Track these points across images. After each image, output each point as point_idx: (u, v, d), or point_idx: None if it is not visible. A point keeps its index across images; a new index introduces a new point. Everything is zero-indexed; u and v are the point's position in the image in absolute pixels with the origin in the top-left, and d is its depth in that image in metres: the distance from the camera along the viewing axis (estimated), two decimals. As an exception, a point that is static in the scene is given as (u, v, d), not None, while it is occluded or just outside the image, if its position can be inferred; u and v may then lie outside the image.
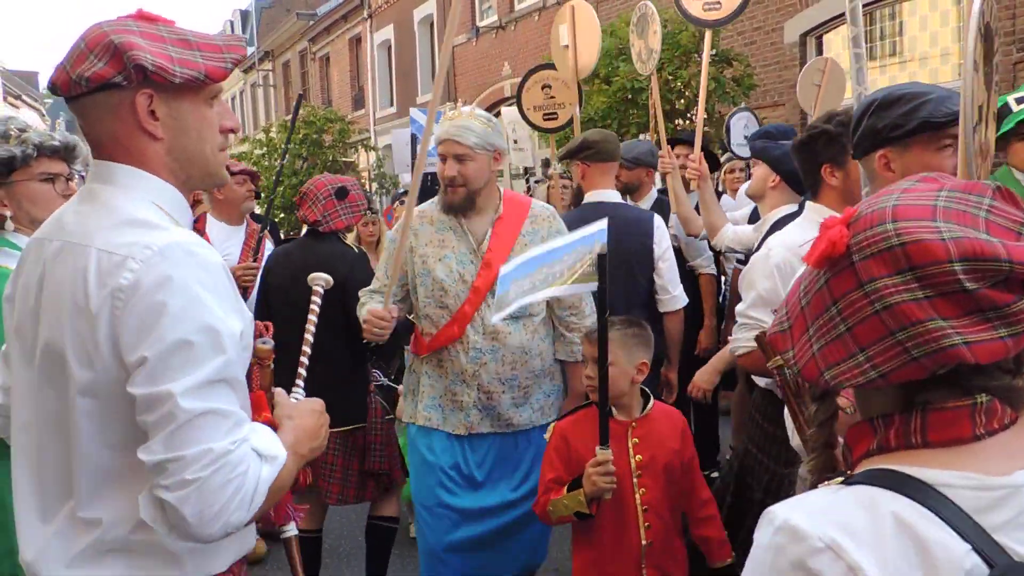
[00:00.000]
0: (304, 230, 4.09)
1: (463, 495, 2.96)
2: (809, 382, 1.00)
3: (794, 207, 3.51)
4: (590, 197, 3.85)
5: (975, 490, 0.88)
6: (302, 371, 1.94)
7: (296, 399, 1.76)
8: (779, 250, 2.42)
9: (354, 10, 22.90)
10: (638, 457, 2.47)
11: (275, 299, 3.60)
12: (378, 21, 21.81)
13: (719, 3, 4.01)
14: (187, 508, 1.27)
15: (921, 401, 0.93)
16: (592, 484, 2.31)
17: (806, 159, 2.53)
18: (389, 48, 21.69)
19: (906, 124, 1.91)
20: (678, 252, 4.32)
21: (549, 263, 2.27)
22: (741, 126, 5.55)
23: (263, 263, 3.91)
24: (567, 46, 4.57)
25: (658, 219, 3.84)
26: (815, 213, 2.48)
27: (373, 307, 2.90)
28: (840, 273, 0.95)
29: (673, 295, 3.79)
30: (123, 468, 1.36)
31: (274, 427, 1.55)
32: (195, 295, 1.32)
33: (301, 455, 1.52)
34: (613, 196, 3.86)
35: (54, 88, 1.42)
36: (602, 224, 2.23)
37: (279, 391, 1.67)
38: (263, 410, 1.59)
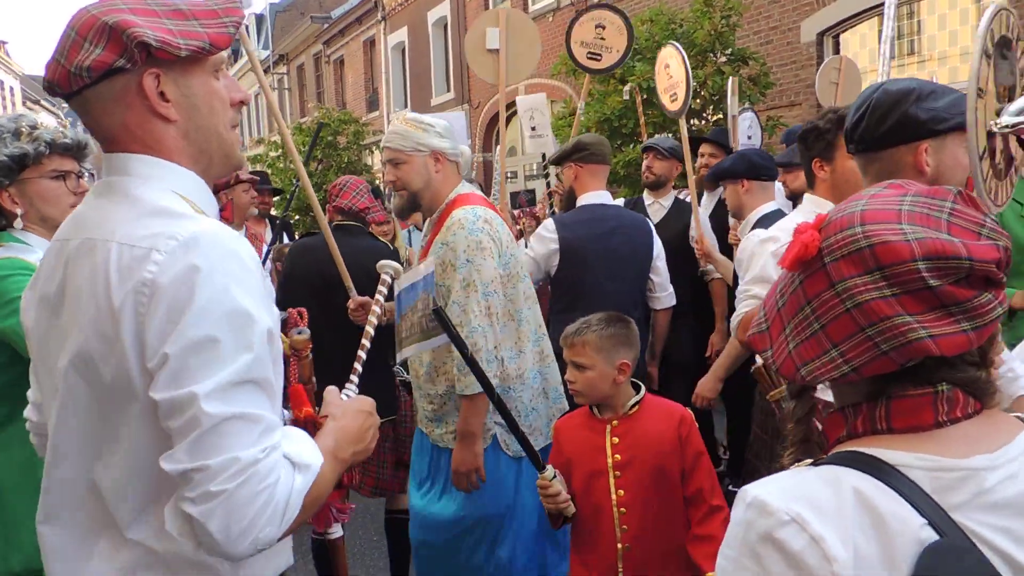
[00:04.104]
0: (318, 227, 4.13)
1: (415, 494, 2.98)
2: (786, 378, 1.07)
3: (774, 205, 3.73)
4: (585, 199, 3.86)
5: (932, 471, 0.94)
6: (358, 366, 1.75)
7: (347, 396, 1.61)
8: (783, 235, 2.49)
9: (368, 13, 22.95)
10: (616, 456, 2.38)
11: (299, 294, 3.48)
12: (392, 23, 21.85)
13: (599, 56, 4.71)
14: (213, 523, 1.16)
15: (888, 391, 1.00)
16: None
17: (802, 154, 2.63)
18: (403, 50, 21.73)
19: (951, 118, 1.84)
20: (689, 256, 4.35)
21: (411, 306, 2.30)
22: (745, 126, 5.33)
23: (265, 258, 3.92)
24: (496, 50, 4.57)
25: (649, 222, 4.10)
26: (812, 204, 2.56)
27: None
28: (813, 275, 1.02)
29: (668, 293, 4.00)
30: (163, 479, 1.23)
31: (317, 424, 1.45)
32: (223, 287, 1.20)
33: (342, 459, 1.39)
34: (607, 198, 3.94)
35: (51, 87, 1.29)
36: (427, 271, 2.25)
37: (331, 389, 1.56)
38: (303, 404, 1.47)
